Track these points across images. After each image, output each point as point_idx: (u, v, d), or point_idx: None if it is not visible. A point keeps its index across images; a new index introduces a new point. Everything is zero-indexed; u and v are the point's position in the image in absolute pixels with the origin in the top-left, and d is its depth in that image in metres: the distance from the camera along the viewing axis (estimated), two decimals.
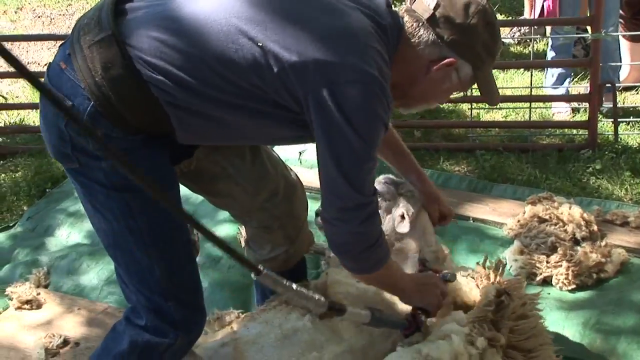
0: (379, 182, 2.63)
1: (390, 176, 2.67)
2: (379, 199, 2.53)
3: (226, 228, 3.50)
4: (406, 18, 2.10)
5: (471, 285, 2.59)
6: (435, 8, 2.06)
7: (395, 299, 2.48)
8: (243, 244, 2.78)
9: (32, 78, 1.29)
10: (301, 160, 4.26)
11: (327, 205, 2.05)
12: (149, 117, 1.99)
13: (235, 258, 1.78)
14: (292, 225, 2.60)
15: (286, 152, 4.25)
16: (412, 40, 2.08)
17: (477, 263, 2.76)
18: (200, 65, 1.93)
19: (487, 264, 2.68)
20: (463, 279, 2.60)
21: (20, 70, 1.24)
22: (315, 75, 1.90)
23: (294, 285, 1.91)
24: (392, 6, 2.13)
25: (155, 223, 2.08)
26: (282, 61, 1.91)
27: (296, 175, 2.65)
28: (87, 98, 1.95)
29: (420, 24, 2.08)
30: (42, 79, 2.08)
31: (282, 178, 2.54)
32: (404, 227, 2.53)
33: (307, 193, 3.43)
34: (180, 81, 1.94)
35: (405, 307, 2.47)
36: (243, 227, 2.82)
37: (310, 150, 4.32)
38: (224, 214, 3.44)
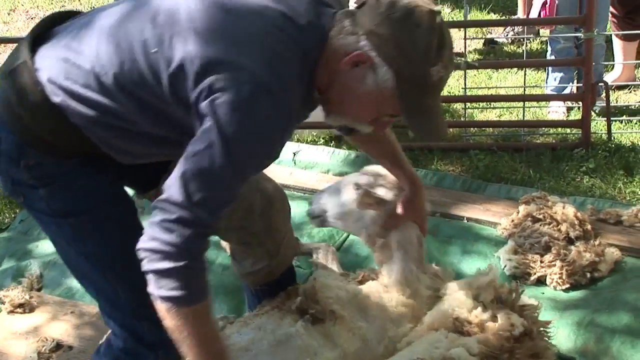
0: (361, 175, 2.61)
1: (373, 169, 2.65)
2: (356, 190, 2.52)
3: None
4: (341, 11, 1.96)
5: (471, 303, 2.47)
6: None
7: (387, 303, 2.47)
8: (228, 252, 2.77)
9: None
10: (295, 161, 4.25)
11: (159, 212, 1.83)
12: (74, 142, 1.95)
13: None
14: (271, 241, 2.53)
15: (280, 153, 4.23)
16: (337, 29, 1.91)
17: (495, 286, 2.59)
18: (101, 79, 1.89)
19: (502, 288, 2.52)
20: (463, 295, 2.49)
21: None
22: (202, 75, 1.79)
23: None
24: (327, 3, 1.98)
25: (106, 245, 2.03)
26: (173, 64, 1.83)
27: (275, 186, 2.54)
28: (12, 131, 1.94)
29: (350, 14, 1.92)
30: None
31: (257, 193, 2.45)
32: (387, 195, 2.51)
33: (300, 194, 3.44)
34: (88, 100, 1.90)
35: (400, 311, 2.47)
36: None
37: (304, 150, 4.32)
38: None
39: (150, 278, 1.85)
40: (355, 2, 2.00)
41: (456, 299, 2.46)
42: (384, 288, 2.55)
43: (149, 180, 2.24)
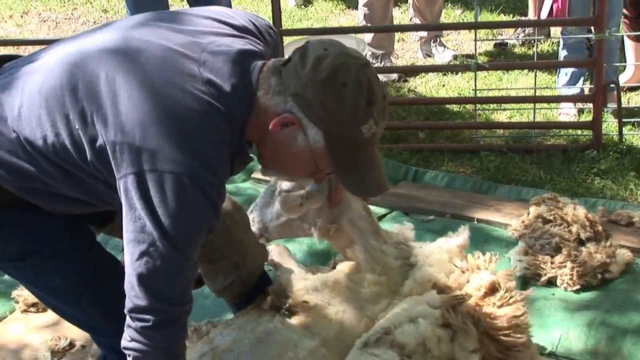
0: (280, 183, 2.55)
1: None
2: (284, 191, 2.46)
3: None
4: (268, 65, 1.89)
5: (448, 267, 2.53)
6: (294, 54, 1.87)
7: (359, 285, 2.49)
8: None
9: None
10: None
11: (126, 300, 1.84)
12: (10, 196, 1.93)
13: None
14: (235, 253, 2.48)
15: None
16: (264, 88, 1.85)
17: (471, 254, 2.66)
18: (26, 149, 1.85)
19: (479, 259, 2.60)
20: (438, 262, 2.53)
21: None
22: (122, 160, 1.75)
23: None
24: (254, 52, 1.92)
25: (70, 276, 2.02)
26: (95, 145, 1.79)
27: (228, 198, 2.45)
28: None
29: (276, 71, 1.86)
30: None
31: None
32: (310, 204, 2.45)
33: None
34: (11, 165, 1.87)
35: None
36: None
37: None
38: None
39: None
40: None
41: (432, 265, 2.50)
42: (353, 270, 2.55)
43: (103, 216, 2.20)
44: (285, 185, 2.52)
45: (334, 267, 2.67)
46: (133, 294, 1.81)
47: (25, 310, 3.18)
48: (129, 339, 1.86)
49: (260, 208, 2.69)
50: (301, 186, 2.47)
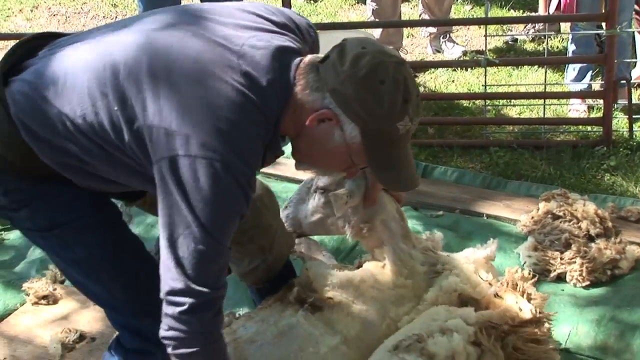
0: (318, 179, 2.55)
1: None
2: (322, 194, 2.47)
3: None
4: (305, 61, 1.93)
5: (474, 278, 2.53)
6: (332, 52, 1.91)
7: (385, 285, 2.49)
8: None
9: None
10: None
11: (161, 284, 1.87)
12: (48, 170, 1.98)
13: None
14: (263, 236, 2.50)
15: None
16: (302, 82, 1.90)
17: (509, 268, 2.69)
18: (66, 125, 1.90)
19: (517, 273, 2.60)
20: (464, 272, 2.54)
21: None
22: (159, 144, 1.80)
23: None
24: (292, 49, 1.96)
25: (94, 249, 2.06)
26: (134, 128, 1.84)
27: (259, 183, 2.49)
28: None
29: (314, 67, 1.90)
30: None
31: None
32: (350, 204, 2.47)
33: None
34: (50, 141, 1.92)
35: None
36: None
37: None
38: None
39: (170, 355, 1.92)
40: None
41: (459, 275, 2.50)
42: (380, 270, 2.56)
43: (134, 191, 2.24)
44: (322, 182, 2.53)
45: (359, 267, 2.68)
46: (169, 277, 1.84)
47: (36, 303, 3.19)
48: (166, 328, 1.89)
49: (294, 204, 2.69)
50: (338, 183, 2.49)
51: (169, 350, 1.91)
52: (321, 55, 1.95)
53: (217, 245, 1.84)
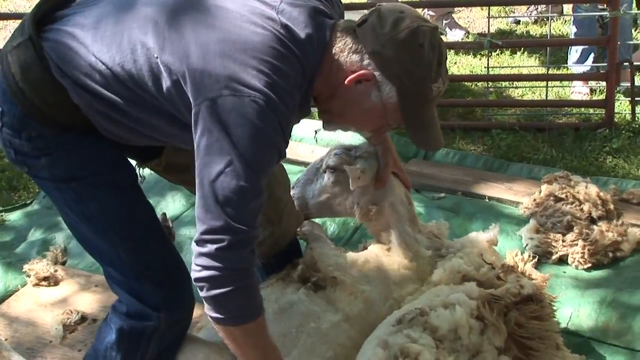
0: (331, 156, 2.56)
1: (341, 144, 2.61)
2: (332, 173, 2.49)
3: None
4: (340, 25, 2.00)
5: (477, 261, 2.54)
6: (369, 16, 1.98)
7: (388, 267, 2.50)
8: None
9: None
10: (317, 138, 4.26)
11: (198, 225, 1.90)
12: (75, 118, 2.01)
13: None
14: (272, 208, 2.49)
15: (302, 131, 4.25)
16: (339, 45, 1.97)
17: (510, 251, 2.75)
18: (102, 74, 1.94)
19: (518, 256, 2.66)
20: (468, 255, 2.56)
21: None
22: (201, 87, 1.84)
23: None
24: (326, 13, 2.01)
25: (107, 206, 2.08)
26: (175, 73, 1.88)
27: None
28: (14, 102, 1.99)
29: (351, 31, 1.98)
30: None
31: None
32: (362, 181, 2.48)
33: None
34: (86, 87, 1.95)
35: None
36: None
37: None
38: None
39: (209, 304, 1.96)
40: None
41: (463, 258, 2.52)
42: (385, 252, 2.56)
43: (150, 150, 2.28)
44: (332, 161, 2.52)
45: (364, 249, 2.68)
46: (209, 216, 1.87)
47: (36, 284, 3.20)
48: (199, 268, 1.91)
49: (302, 185, 2.71)
50: (349, 162, 2.49)
51: (203, 292, 1.93)
52: (354, 20, 2.02)
53: (258, 181, 1.88)
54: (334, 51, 1.97)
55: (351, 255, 2.55)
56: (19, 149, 2.05)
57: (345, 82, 1.97)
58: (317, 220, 2.94)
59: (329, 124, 2.15)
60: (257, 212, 1.93)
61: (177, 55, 1.88)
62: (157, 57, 1.89)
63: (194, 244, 1.92)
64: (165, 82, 1.90)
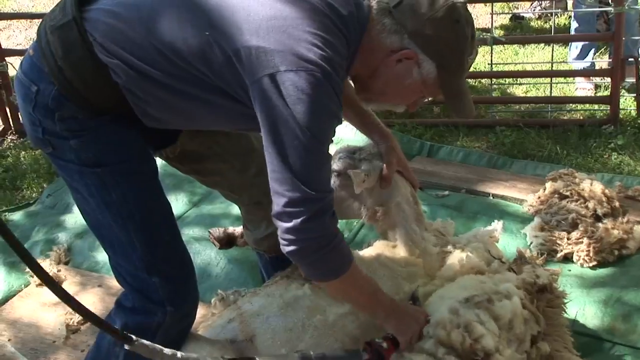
0: (335, 160, 2.55)
1: (345, 147, 2.60)
2: (337, 177, 2.50)
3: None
4: (374, 6, 2.05)
5: (486, 256, 2.58)
6: None
7: (396, 263, 2.50)
8: (216, 244, 2.79)
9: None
10: None
11: (275, 201, 1.96)
12: (112, 99, 2.02)
13: (97, 324, 1.75)
14: None
15: None
16: (377, 28, 2.03)
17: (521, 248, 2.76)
18: (150, 52, 1.95)
19: (527, 253, 2.68)
20: (477, 249, 2.59)
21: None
22: (257, 63, 1.88)
23: (178, 354, 1.83)
24: None
25: (130, 195, 2.09)
26: (227, 50, 1.90)
27: None
28: (51, 82, 1.99)
29: (386, 12, 2.03)
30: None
31: None
32: (367, 184, 2.48)
33: None
34: (132, 65, 1.96)
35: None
36: (212, 230, 2.83)
37: None
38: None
39: (305, 270, 2.08)
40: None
41: (473, 253, 2.55)
42: (390, 249, 2.56)
43: (164, 138, 2.30)
44: (337, 165, 2.52)
45: (368, 247, 2.68)
46: (287, 189, 1.93)
47: (40, 284, 3.19)
48: (287, 243, 1.99)
49: None
50: (353, 165, 2.50)
51: (297, 261, 2.04)
52: (387, 1, 2.06)
53: (324, 149, 1.96)
54: (373, 31, 2.04)
55: (357, 252, 2.55)
56: (49, 128, 2.04)
57: (387, 62, 2.04)
58: None
59: (368, 102, 2.24)
60: (329, 177, 2.04)
61: (229, 32, 1.91)
62: (208, 34, 1.92)
63: (274, 218, 1.98)
64: (217, 59, 1.92)
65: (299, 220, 1.94)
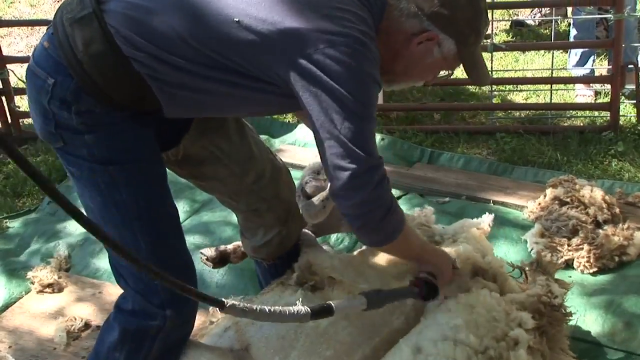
0: (304, 185, 2.50)
1: (309, 167, 2.55)
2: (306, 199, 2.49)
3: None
4: None
5: (479, 247, 2.59)
6: None
7: (384, 263, 2.52)
8: (209, 264, 2.81)
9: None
10: None
11: (338, 177, 1.99)
12: (131, 93, 2.00)
13: (191, 294, 1.80)
14: (280, 207, 2.56)
15: (306, 136, 4.25)
16: (395, 12, 2.07)
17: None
18: (178, 42, 1.94)
19: (546, 257, 2.69)
20: (470, 240, 2.61)
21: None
22: (291, 46, 1.91)
23: (267, 309, 1.87)
24: None
25: (139, 196, 2.09)
26: (259, 34, 1.91)
27: (281, 160, 2.63)
28: (70, 75, 1.97)
29: None
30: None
31: (268, 161, 2.52)
32: (327, 209, 2.45)
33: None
34: (160, 57, 1.95)
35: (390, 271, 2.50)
36: (204, 251, 2.84)
37: None
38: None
39: (375, 236, 2.14)
40: None
41: (468, 244, 2.57)
42: (377, 251, 2.57)
43: (168, 140, 2.28)
44: (309, 187, 2.50)
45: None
46: (348, 162, 1.97)
47: (40, 291, 3.20)
48: (355, 214, 2.06)
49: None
50: (322, 187, 2.47)
51: (370, 230, 2.10)
52: None
53: (373, 114, 2.01)
54: (391, 16, 2.07)
55: (346, 256, 2.57)
56: (63, 122, 2.02)
57: (409, 45, 2.09)
58: None
59: (390, 84, 2.28)
60: (375, 144, 2.07)
61: (259, 17, 1.92)
62: (237, 21, 1.92)
63: (337, 196, 2.03)
64: (248, 44, 1.93)
65: (366, 190, 2.00)
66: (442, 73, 2.27)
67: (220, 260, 2.82)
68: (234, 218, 3.54)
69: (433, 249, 2.41)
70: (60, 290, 3.21)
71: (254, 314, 1.86)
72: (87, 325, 2.98)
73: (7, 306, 3.16)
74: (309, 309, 1.96)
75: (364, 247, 2.67)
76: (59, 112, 2.01)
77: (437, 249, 2.45)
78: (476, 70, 2.22)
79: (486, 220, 2.76)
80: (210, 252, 2.81)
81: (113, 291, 3.14)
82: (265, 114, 2.43)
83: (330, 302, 2.07)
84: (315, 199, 2.43)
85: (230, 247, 2.84)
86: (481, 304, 2.30)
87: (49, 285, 3.21)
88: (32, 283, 3.23)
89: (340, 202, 2.05)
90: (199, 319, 2.31)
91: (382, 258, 2.56)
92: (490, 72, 4.88)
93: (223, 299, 1.79)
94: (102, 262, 3.34)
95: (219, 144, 2.40)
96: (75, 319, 2.98)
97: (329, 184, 2.41)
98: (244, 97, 2.05)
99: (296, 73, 1.92)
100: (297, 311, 1.94)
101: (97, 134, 2.02)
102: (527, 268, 2.55)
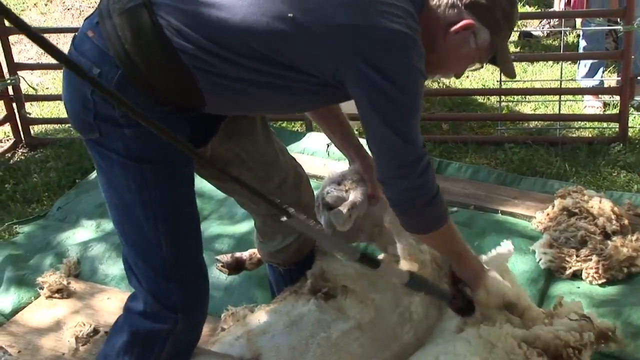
0: (325, 195, 2.46)
1: (330, 178, 2.51)
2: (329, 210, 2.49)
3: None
4: None
5: (514, 284, 2.58)
6: None
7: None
8: (225, 271, 2.82)
9: (52, 49, 1.37)
10: (329, 152, 4.26)
11: (384, 166, 2.09)
12: (177, 86, 2.00)
13: (261, 197, 1.97)
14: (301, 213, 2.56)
15: (314, 145, 4.26)
16: (433, 3, 2.11)
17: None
18: (231, 36, 1.94)
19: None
20: (501, 272, 2.56)
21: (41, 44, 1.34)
22: (346, 43, 1.94)
23: (317, 226, 1.99)
24: None
25: (168, 197, 2.09)
26: (312, 31, 1.94)
27: (301, 166, 2.64)
28: (116, 65, 1.96)
29: None
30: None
31: (292, 168, 2.55)
32: (358, 210, 2.43)
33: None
34: (211, 50, 1.95)
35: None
36: (220, 257, 2.85)
37: None
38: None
39: (411, 219, 2.19)
40: None
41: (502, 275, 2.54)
42: (391, 262, 2.56)
43: (197, 140, 2.26)
44: (330, 198, 2.50)
45: None
46: (401, 153, 2.05)
47: (49, 297, 3.21)
48: (399, 200, 2.12)
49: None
50: (343, 198, 2.46)
51: (414, 216, 2.17)
52: None
53: (420, 107, 2.06)
54: (430, 6, 2.11)
55: (359, 266, 2.56)
56: (103, 113, 2.00)
57: (446, 34, 2.12)
58: None
59: (427, 75, 2.33)
60: (420, 133, 2.12)
61: (312, 13, 1.95)
62: (291, 16, 1.94)
63: (385, 184, 2.11)
64: (300, 41, 1.95)
65: (412, 178, 2.07)
66: (473, 66, 2.31)
67: (235, 266, 2.84)
68: (230, 230, 3.56)
69: (473, 255, 2.44)
70: (70, 295, 3.23)
71: (314, 231, 2.09)
72: (95, 330, 2.98)
73: (16, 311, 3.17)
74: (359, 252, 2.15)
75: (380, 256, 2.66)
76: (102, 102, 1.99)
77: (476, 257, 2.48)
78: (507, 62, 2.27)
79: (509, 248, 2.71)
80: (226, 258, 2.83)
81: (122, 297, 3.14)
82: (303, 110, 2.46)
83: (379, 259, 2.18)
84: (342, 208, 2.44)
85: (246, 254, 2.85)
86: (502, 345, 2.28)
87: (58, 291, 3.22)
88: (42, 288, 3.24)
89: (386, 189, 2.12)
90: (209, 326, 2.31)
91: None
92: (499, 83, 4.91)
93: (287, 209, 2.04)
94: (111, 267, 3.36)
95: (245, 147, 2.41)
96: (84, 325, 2.99)
97: (350, 194, 2.45)
98: (293, 94, 2.09)
99: (352, 72, 1.96)
100: (350, 248, 2.16)
101: (137, 129, 2.00)
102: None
